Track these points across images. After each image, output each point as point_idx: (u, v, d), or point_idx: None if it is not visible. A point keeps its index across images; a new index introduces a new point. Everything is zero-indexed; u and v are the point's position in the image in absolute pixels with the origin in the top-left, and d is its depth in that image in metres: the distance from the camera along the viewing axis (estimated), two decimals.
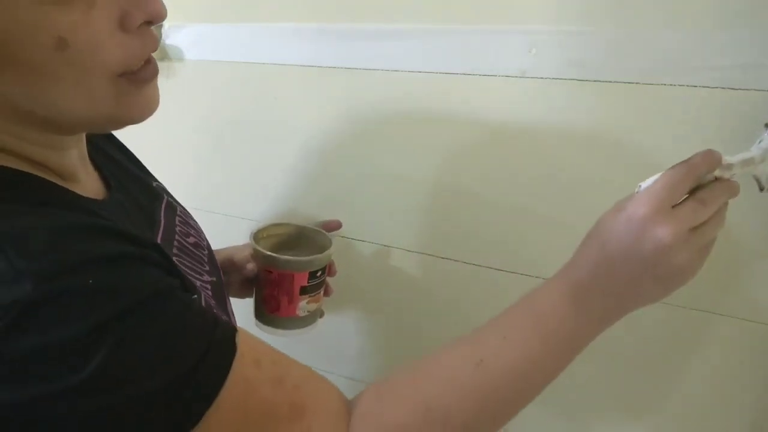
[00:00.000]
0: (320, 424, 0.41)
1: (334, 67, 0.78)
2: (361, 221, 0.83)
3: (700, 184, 0.44)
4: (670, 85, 0.60)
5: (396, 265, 0.82)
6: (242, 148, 0.89)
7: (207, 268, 0.59)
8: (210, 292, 0.56)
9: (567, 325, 0.45)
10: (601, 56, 0.63)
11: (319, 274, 0.69)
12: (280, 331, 0.70)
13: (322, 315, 0.75)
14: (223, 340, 0.39)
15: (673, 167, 0.44)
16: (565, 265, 0.48)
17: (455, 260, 0.77)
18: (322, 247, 0.71)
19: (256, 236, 0.72)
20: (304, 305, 0.69)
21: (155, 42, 0.41)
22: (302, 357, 0.78)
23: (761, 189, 0.49)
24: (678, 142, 0.61)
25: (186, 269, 0.54)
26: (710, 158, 0.44)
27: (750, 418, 0.66)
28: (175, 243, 0.56)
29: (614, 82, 0.63)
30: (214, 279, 0.59)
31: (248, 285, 0.74)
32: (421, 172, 0.76)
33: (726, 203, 0.45)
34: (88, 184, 0.49)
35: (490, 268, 0.75)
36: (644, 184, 0.45)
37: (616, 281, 0.44)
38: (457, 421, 0.43)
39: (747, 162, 0.47)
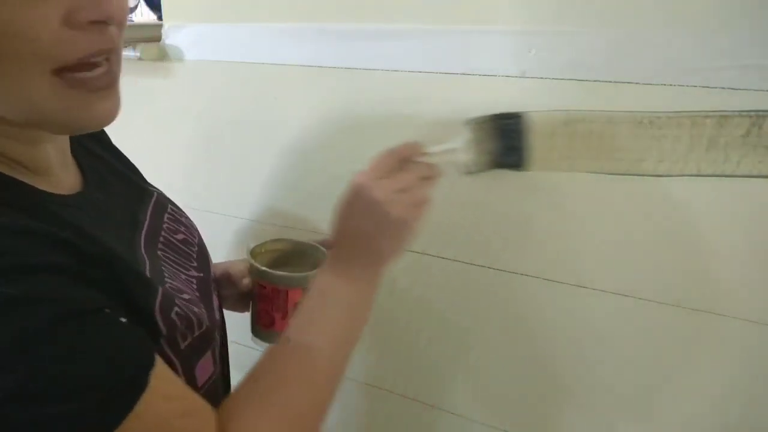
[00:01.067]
0: None
1: (334, 67, 0.78)
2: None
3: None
4: (670, 85, 0.60)
5: (393, 266, 0.82)
6: (242, 148, 0.89)
7: (195, 264, 0.60)
8: (195, 287, 0.56)
9: (342, 293, 0.55)
10: (601, 56, 0.63)
11: None
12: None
13: None
14: (136, 373, 0.38)
15: (382, 151, 0.56)
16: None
17: (454, 260, 0.77)
18: (319, 264, 0.70)
19: (254, 251, 0.71)
20: None
21: (107, 43, 0.40)
22: None
23: (463, 173, 0.62)
24: (679, 142, 0.61)
25: (171, 263, 0.55)
26: (411, 146, 0.58)
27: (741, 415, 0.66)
28: (161, 239, 0.56)
29: (614, 82, 0.63)
30: (201, 275, 0.59)
31: (244, 299, 0.73)
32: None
33: (430, 179, 0.57)
34: (65, 179, 0.48)
35: (490, 268, 0.75)
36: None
37: (355, 243, 0.56)
38: (297, 409, 0.50)
39: (447, 151, 0.59)
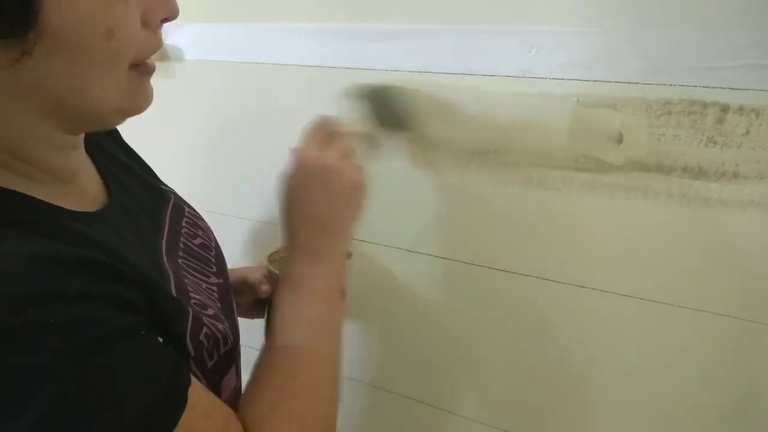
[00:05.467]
0: None
1: (334, 67, 0.78)
2: (361, 221, 0.82)
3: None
4: (670, 85, 0.60)
5: (396, 266, 0.82)
6: (242, 148, 0.89)
7: (214, 269, 0.59)
8: (216, 295, 0.55)
9: (323, 283, 0.54)
10: (601, 56, 0.63)
11: None
12: None
13: None
14: (175, 392, 0.39)
15: (309, 127, 0.58)
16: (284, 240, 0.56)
17: (459, 261, 0.77)
18: None
19: (271, 258, 0.71)
20: None
21: (162, 40, 0.43)
22: None
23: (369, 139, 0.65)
24: (678, 141, 0.62)
25: (192, 271, 0.54)
26: (329, 118, 0.59)
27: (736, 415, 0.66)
28: (181, 245, 0.56)
29: (614, 82, 0.63)
30: (221, 281, 0.59)
31: (259, 306, 0.73)
32: (422, 172, 0.76)
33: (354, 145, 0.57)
34: (89, 187, 0.48)
35: (491, 268, 0.75)
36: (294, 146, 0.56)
37: (320, 226, 0.54)
38: (319, 412, 0.50)
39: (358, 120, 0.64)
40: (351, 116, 0.63)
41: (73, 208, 0.43)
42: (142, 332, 0.39)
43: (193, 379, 0.41)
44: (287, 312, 0.53)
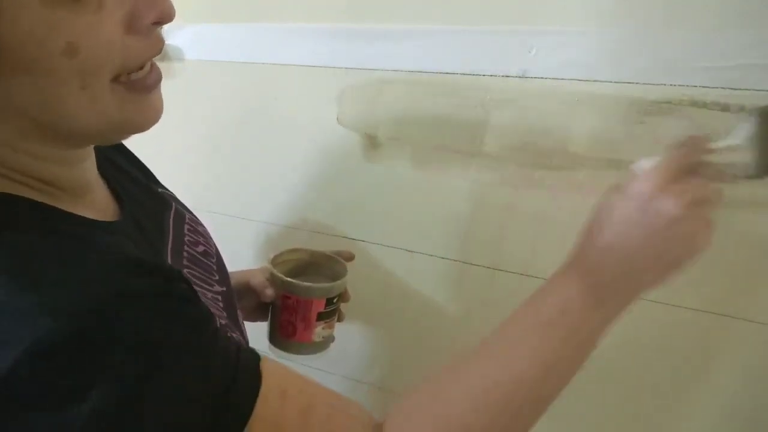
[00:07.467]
0: None
1: (334, 67, 0.78)
2: (362, 222, 0.83)
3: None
4: (670, 85, 0.60)
5: (396, 266, 0.82)
6: (242, 148, 0.89)
7: (216, 277, 0.58)
8: (221, 304, 0.54)
9: (582, 320, 0.45)
10: (601, 56, 0.63)
11: (335, 300, 0.69)
12: (293, 356, 0.71)
13: (333, 340, 0.75)
14: (247, 371, 0.38)
15: (671, 149, 0.45)
16: (570, 259, 0.48)
17: (456, 260, 0.77)
18: (337, 274, 0.71)
19: (274, 261, 0.72)
20: (319, 331, 0.69)
21: (161, 43, 0.40)
22: (303, 357, 0.77)
23: (740, 177, 0.47)
24: None
25: (197, 281, 0.53)
26: (700, 142, 0.46)
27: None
28: (185, 254, 0.55)
29: (614, 82, 0.63)
30: (224, 289, 0.57)
31: (262, 309, 0.73)
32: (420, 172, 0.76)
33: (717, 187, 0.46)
34: (101, 198, 0.47)
35: (492, 268, 0.75)
36: (639, 166, 0.46)
37: (626, 261, 0.44)
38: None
39: (731, 148, 0.46)
40: (736, 138, 0.46)
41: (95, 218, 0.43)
42: (203, 319, 0.39)
43: (266, 357, 0.40)
44: (519, 321, 0.47)
